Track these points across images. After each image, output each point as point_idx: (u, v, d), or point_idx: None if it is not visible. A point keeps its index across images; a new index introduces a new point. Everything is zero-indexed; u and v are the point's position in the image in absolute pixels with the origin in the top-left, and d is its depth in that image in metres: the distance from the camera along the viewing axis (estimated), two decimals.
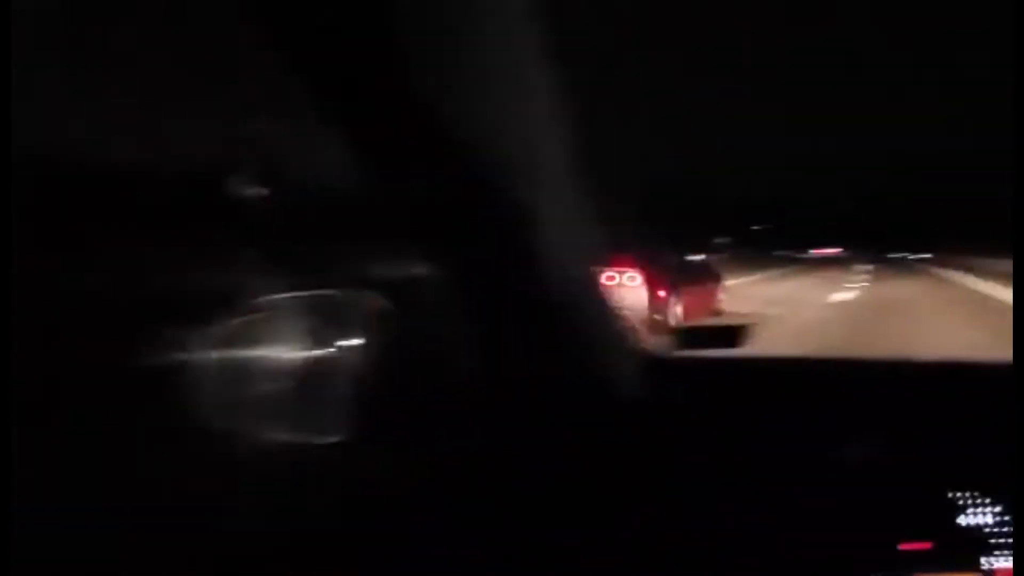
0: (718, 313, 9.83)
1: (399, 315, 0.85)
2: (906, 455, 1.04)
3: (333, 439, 0.79)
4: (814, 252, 62.86)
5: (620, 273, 7.71)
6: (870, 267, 29.96)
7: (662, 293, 8.15)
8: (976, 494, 1.03)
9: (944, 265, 30.07)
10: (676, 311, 8.41)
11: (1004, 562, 1.01)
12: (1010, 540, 1.02)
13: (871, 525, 1.00)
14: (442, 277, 0.74)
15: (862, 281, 20.65)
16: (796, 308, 11.76)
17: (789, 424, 1.05)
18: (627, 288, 7.74)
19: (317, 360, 0.79)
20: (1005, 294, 13.47)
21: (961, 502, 1.03)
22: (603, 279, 3.70)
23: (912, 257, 56.56)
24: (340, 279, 0.86)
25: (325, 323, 0.81)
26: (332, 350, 0.80)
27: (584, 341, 0.86)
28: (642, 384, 0.99)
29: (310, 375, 0.78)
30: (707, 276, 10.57)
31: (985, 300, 14.32)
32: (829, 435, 1.04)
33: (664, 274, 8.37)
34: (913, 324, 10.19)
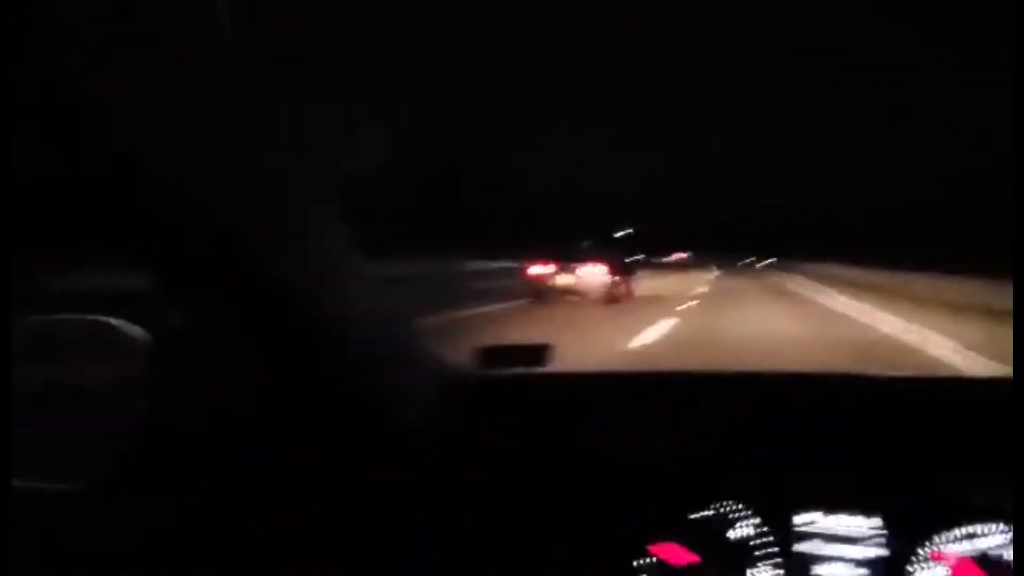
0: (631, 295, 15.82)
1: (156, 343, 0.81)
2: (681, 464, 1.08)
3: (78, 485, 0.70)
4: (665, 258, 74.46)
5: (591, 265, 14.51)
6: (719, 272, 41.89)
7: (616, 278, 15.03)
8: (741, 506, 1.05)
9: (779, 269, 40.49)
10: (619, 287, 15.08)
11: (767, 573, 1.02)
12: (773, 550, 1.03)
13: (628, 525, 1.04)
14: (207, 302, 0.71)
15: (715, 279, 32.16)
16: (675, 294, 18.12)
17: (572, 435, 1.11)
18: (594, 275, 14.36)
19: (59, 394, 0.70)
20: (807, 287, 21.39)
21: (728, 514, 1.05)
22: (587, 269, 13.19)
23: (758, 263, 68.15)
24: (84, 305, 0.80)
25: (69, 353, 0.73)
26: (78, 382, 0.70)
27: (367, 363, 0.84)
28: (441, 402, 1.01)
29: (50, 411, 0.70)
30: (632, 270, 18.49)
31: (792, 289, 22.11)
32: (615, 442, 1.09)
33: (616, 268, 15.27)
34: (741, 301, 16.81)
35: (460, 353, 1.23)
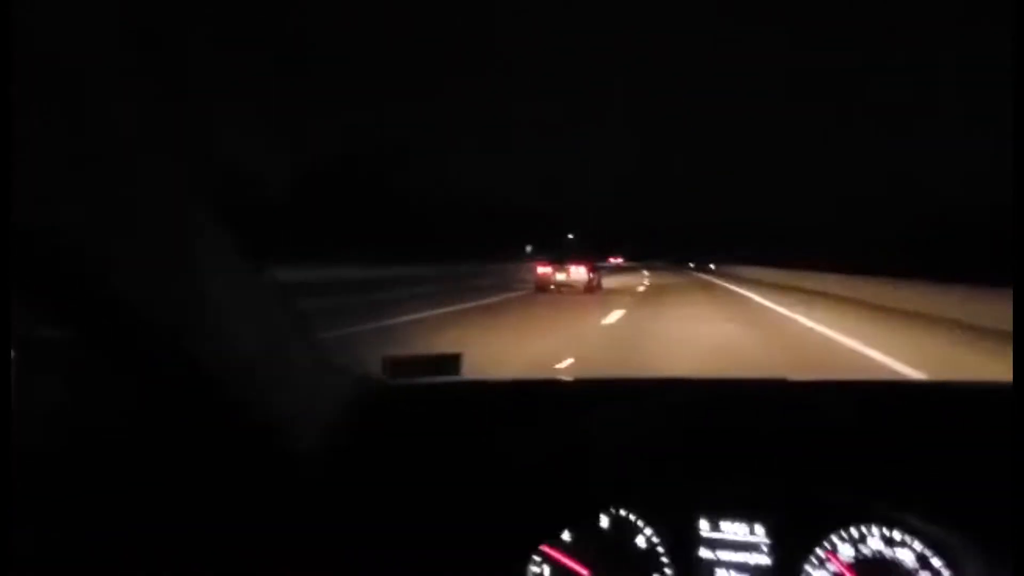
0: (600, 286, 22.41)
1: (23, 362, 0.79)
2: (574, 471, 1.09)
3: None
4: (610, 260, 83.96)
5: (577, 266, 21.08)
6: (650, 272, 51.59)
7: (592, 275, 21.31)
8: (635, 516, 1.06)
9: (708, 272, 50.15)
10: (593, 281, 21.35)
11: None
12: (667, 559, 1.04)
13: (521, 529, 1.06)
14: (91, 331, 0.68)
15: (654, 276, 42.10)
16: (626, 287, 25.51)
17: (474, 442, 1.11)
18: (580, 272, 20.83)
19: None
20: (727, 283, 29.76)
21: (622, 521, 1.06)
22: (574, 268, 22.56)
23: (692, 264, 76.92)
24: None
25: None
26: None
27: (256, 382, 0.81)
28: (343, 418, 1.00)
29: None
30: (602, 269, 26.12)
31: (714, 285, 29.57)
32: (515, 448, 1.10)
33: (592, 268, 21.62)
34: (671, 291, 24.10)
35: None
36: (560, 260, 21.44)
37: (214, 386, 0.76)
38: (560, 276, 20.82)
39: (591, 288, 20.77)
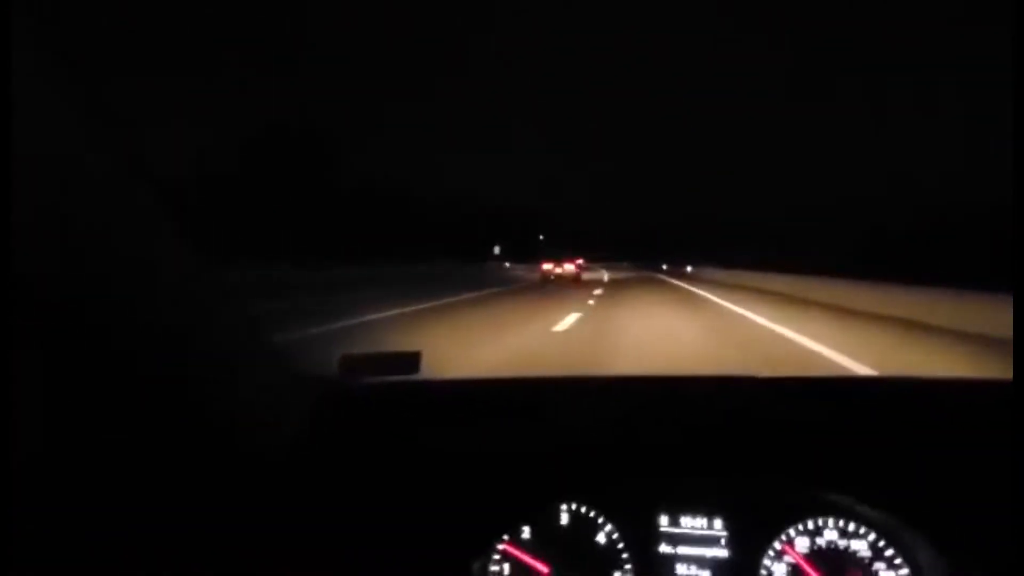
0: (581, 279, 33.23)
1: None
2: (533, 467, 1.08)
3: None
4: (564, 264, 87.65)
5: (569, 261, 35.35)
6: (610, 272, 61.56)
7: (578, 270, 35.15)
8: (593, 512, 1.05)
9: (668, 273, 57.60)
10: (580, 276, 34.51)
11: None
12: (624, 556, 1.04)
13: (481, 523, 1.06)
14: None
15: (620, 272, 54.39)
16: (598, 280, 35.25)
17: (434, 440, 1.12)
18: (569, 268, 34.58)
19: None
20: (683, 283, 33.73)
21: (582, 516, 1.06)
22: (567, 265, 39.55)
23: (654, 266, 76.58)
24: None
25: None
26: None
27: (211, 383, 0.80)
28: (310, 412, 1.02)
29: None
30: (585, 264, 38.69)
31: (670, 284, 32.41)
32: (475, 446, 1.11)
33: (578, 265, 35.52)
34: (631, 283, 32.82)
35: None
36: (557, 260, 34.17)
37: (166, 385, 0.76)
38: (558, 270, 33.36)
39: (578, 279, 32.43)
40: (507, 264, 60.57)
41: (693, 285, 27.90)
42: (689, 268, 46.63)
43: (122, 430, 0.78)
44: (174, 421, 0.79)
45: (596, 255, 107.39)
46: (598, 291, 21.45)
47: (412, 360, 1.29)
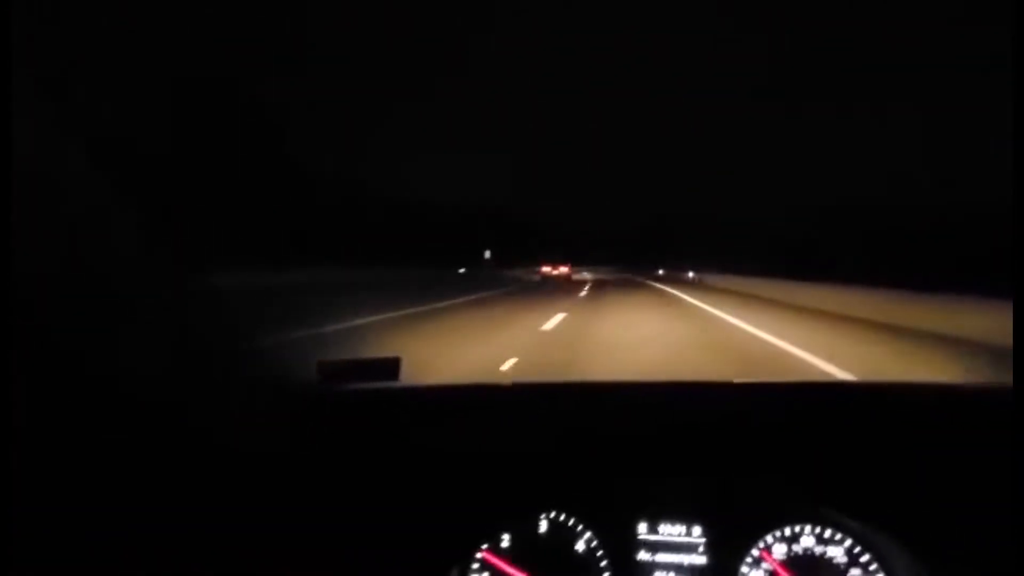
0: (571, 279, 37.16)
1: None
2: (513, 473, 1.08)
3: None
4: (543, 269, 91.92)
5: (562, 265, 50.87)
6: (592, 274, 66.91)
7: (570, 272, 49.93)
8: (572, 520, 1.06)
9: (650, 277, 60.93)
10: (572, 276, 47.43)
11: None
12: (603, 564, 1.04)
13: (459, 531, 1.06)
14: None
15: (605, 274, 59.45)
16: (584, 280, 36.86)
17: (413, 446, 1.11)
18: (563, 270, 49.18)
19: None
20: (664, 286, 37.04)
21: (562, 524, 1.07)
22: (562, 267, 50.30)
23: (647, 271, 76.80)
24: None
25: None
26: None
27: (190, 386, 0.81)
28: (288, 418, 1.00)
29: None
30: (576, 267, 46.97)
31: (650, 287, 35.65)
32: (455, 452, 1.11)
33: (571, 267, 51.48)
34: (613, 284, 35.78)
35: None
36: (553, 264, 41.31)
37: (142, 389, 0.75)
38: (555, 272, 41.04)
39: (570, 279, 38.18)
40: (501, 270, 60.33)
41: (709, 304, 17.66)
42: (691, 274, 39.62)
43: (121, 430, 0.79)
44: (155, 423, 0.80)
45: (583, 259, 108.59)
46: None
47: (391, 366, 1.28)
